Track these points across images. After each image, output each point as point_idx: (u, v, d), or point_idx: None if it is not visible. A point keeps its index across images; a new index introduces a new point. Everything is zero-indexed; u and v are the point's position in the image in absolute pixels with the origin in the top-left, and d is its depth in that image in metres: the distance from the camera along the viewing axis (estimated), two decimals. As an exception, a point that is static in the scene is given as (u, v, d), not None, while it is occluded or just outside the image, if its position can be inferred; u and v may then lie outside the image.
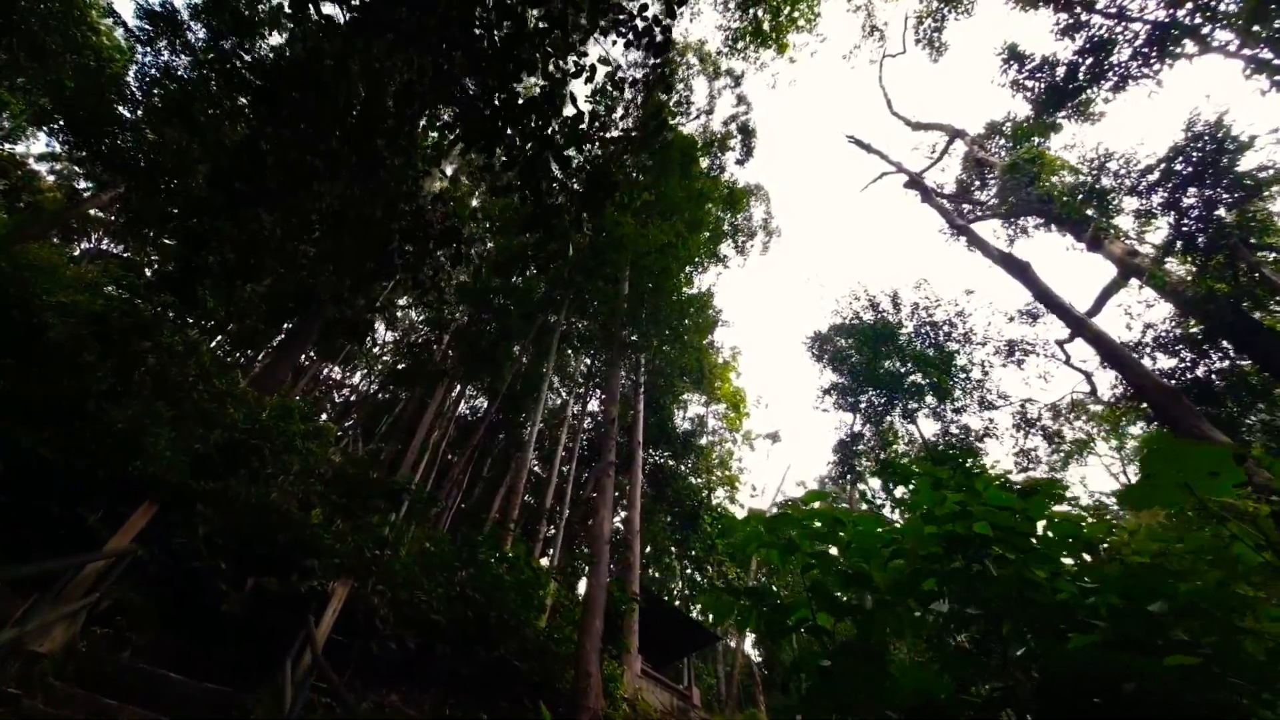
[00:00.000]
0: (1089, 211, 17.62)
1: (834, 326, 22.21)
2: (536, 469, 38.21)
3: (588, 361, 33.09)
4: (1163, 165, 13.30)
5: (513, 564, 9.82)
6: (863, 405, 20.06)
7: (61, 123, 18.65)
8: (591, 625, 8.62)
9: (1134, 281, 16.94)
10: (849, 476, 29.99)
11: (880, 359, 19.00)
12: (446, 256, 5.65)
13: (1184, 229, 12.83)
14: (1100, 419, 24.06)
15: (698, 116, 26.32)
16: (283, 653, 6.12)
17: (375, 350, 39.66)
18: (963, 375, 18.75)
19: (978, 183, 25.23)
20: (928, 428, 21.09)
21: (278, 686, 4.12)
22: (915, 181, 22.30)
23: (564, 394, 38.26)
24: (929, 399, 18.76)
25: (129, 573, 6.92)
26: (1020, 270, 14.49)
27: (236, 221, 3.81)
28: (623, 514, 34.48)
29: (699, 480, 32.45)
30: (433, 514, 18.30)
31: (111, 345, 8.57)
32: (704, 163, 21.94)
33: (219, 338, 23.42)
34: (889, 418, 19.79)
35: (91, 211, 27.32)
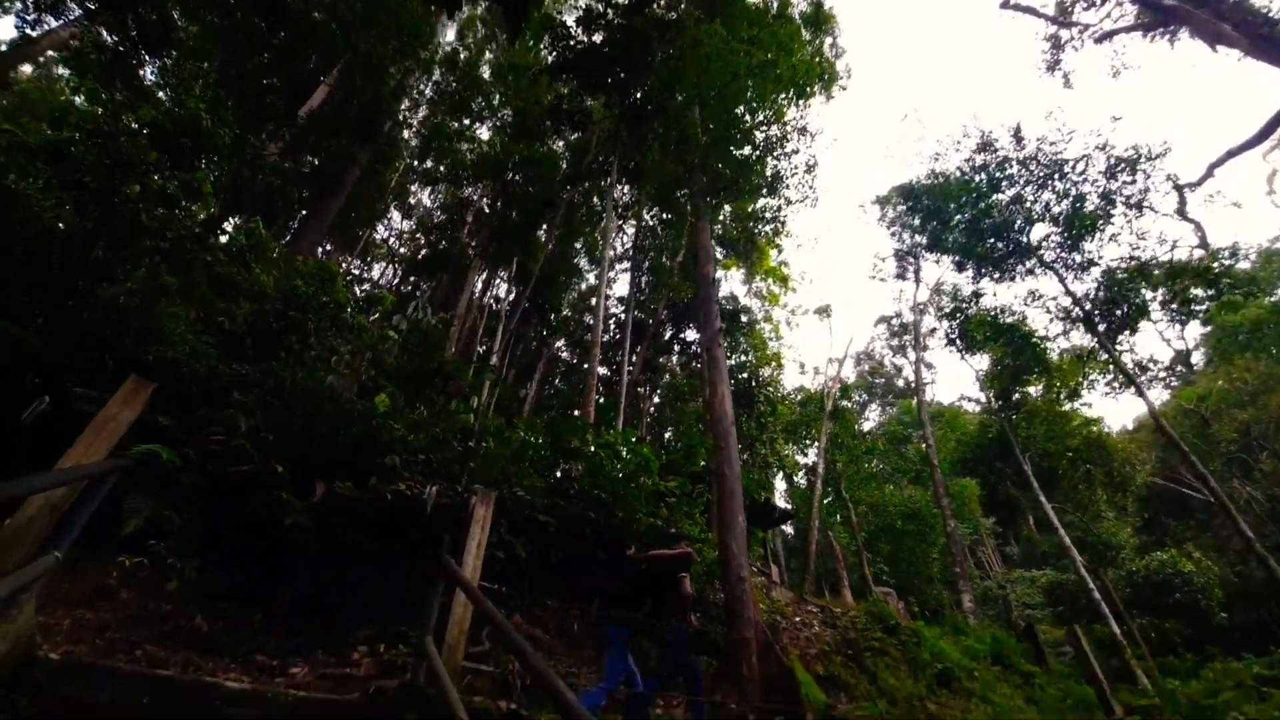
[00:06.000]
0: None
1: (931, 174, 19.06)
2: (564, 354, 36.98)
3: (628, 234, 30.46)
4: None
5: (614, 451, 8.16)
6: (969, 264, 17.44)
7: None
8: (734, 521, 7.00)
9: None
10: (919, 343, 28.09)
11: (991, 208, 16.09)
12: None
13: None
14: (1194, 273, 20.98)
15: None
16: (377, 592, 4.49)
17: (393, 240, 37.32)
18: (1113, 214, 15.71)
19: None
20: (1048, 285, 18.40)
21: (417, 689, 2.35)
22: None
23: (592, 278, 36.17)
24: (1057, 249, 16.03)
25: (160, 484, 5.28)
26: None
27: None
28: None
29: (747, 358, 30.97)
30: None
31: (87, 193, 6.43)
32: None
33: (229, 221, 21.04)
34: (998, 274, 17.19)
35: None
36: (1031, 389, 22.23)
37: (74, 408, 4.39)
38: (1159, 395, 32.39)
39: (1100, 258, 16.14)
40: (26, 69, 28.83)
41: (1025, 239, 16.70)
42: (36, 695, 1.86)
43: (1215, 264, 17.21)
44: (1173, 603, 18.49)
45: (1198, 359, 40.17)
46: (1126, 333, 16.58)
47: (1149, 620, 18.46)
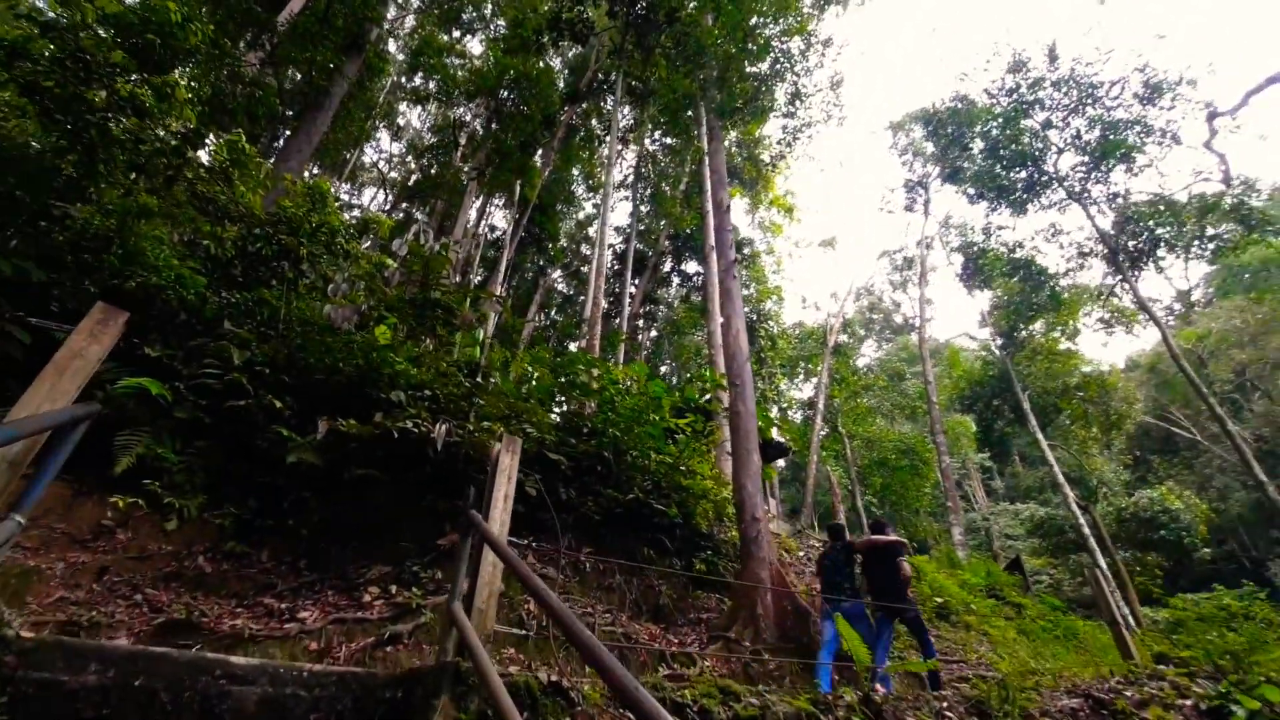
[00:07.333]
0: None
1: (955, 96, 17.94)
2: (561, 286, 36.24)
3: (628, 161, 29.17)
4: None
5: (621, 388, 7.91)
6: (987, 195, 16.71)
7: None
8: (749, 459, 6.85)
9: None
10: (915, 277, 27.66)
11: (1018, 135, 15.19)
12: None
13: None
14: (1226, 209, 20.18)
15: None
16: (388, 530, 4.33)
17: (382, 165, 35.69)
18: (1146, 143, 14.88)
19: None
20: (1071, 220, 17.86)
21: (448, 665, 2.10)
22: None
23: (589, 206, 35.05)
24: (1083, 181, 15.30)
25: (153, 420, 4.98)
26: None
27: None
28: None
29: (748, 291, 30.44)
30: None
31: (49, 98, 5.79)
32: None
33: (208, 139, 19.84)
34: (1016, 206, 16.50)
35: None
36: (1034, 327, 22.09)
37: (47, 339, 4.01)
38: (1156, 335, 32.43)
39: (1127, 190, 15.48)
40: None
41: (1053, 168, 15.91)
42: (8, 682, 1.59)
43: (1231, 198, 16.58)
44: (1157, 538, 19.06)
45: (1197, 297, 40.03)
46: (1147, 266, 16.17)
47: (1132, 554, 19.08)
